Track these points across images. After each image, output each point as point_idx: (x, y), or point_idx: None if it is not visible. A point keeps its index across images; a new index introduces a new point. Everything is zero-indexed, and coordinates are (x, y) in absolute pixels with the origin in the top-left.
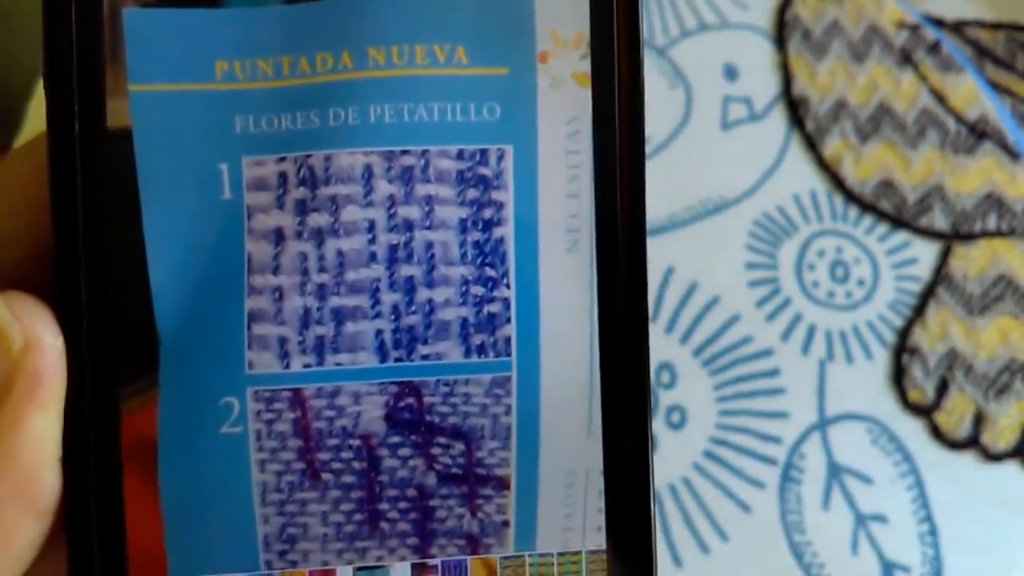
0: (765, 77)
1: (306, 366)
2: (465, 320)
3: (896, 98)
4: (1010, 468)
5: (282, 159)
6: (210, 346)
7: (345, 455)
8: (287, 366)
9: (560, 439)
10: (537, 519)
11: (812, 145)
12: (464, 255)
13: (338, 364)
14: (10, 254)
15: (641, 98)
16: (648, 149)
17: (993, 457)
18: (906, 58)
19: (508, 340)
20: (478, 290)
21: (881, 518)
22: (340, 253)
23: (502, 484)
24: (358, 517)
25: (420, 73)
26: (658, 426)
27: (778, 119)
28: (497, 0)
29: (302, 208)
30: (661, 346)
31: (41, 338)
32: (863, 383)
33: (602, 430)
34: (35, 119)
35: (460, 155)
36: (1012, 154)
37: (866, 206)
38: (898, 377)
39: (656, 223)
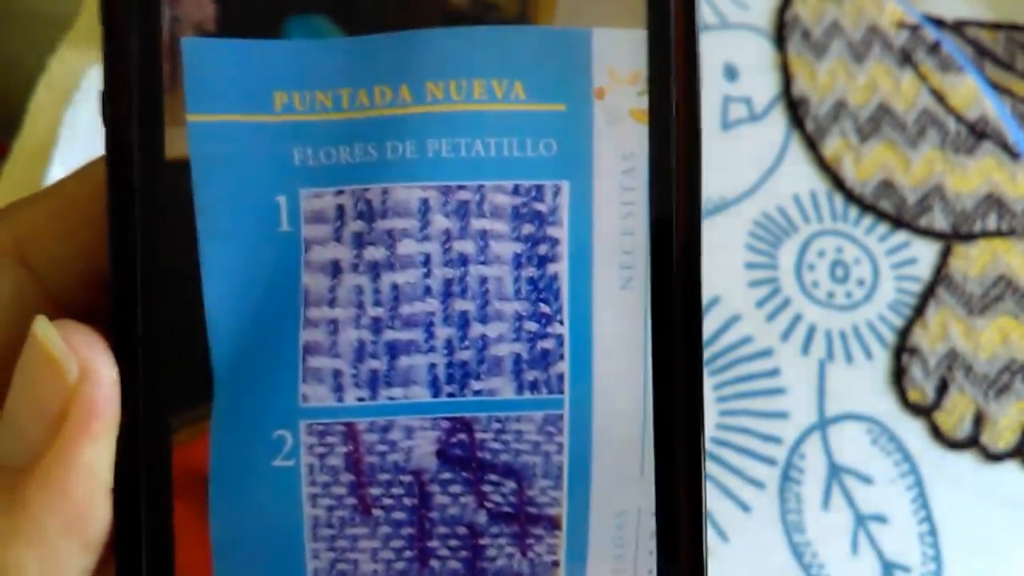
0: (765, 77)
1: (359, 400)
2: (518, 356)
3: (896, 98)
4: (1010, 468)
5: (340, 192)
6: (264, 378)
7: (396, 491)
8: (341, 399)
9: (612, 479)
10: (587, 560)
11: (812, 145)
12: (518, 290)
13: (391, 398)
14: (61, 279)
15: (698, 135)
16: None
17: (993, 457)
18: (906, 58)
19: (561, 377)
20: (531, 326)
21: (881, 518)
22: (395, 287)
23: (553, 524)
24: (408, 554)
25: (478, 108)
26: None
27: (778, 119)
28: (555, 36)
29: (359, 241)
30: None
31: (97, 369)
32: (863, 383)
33: (655, 470)
34: (35, 119)
35: (516, 190)
36: (1012, 154)
37: (866, 206)
38: (898, 377)
39: None
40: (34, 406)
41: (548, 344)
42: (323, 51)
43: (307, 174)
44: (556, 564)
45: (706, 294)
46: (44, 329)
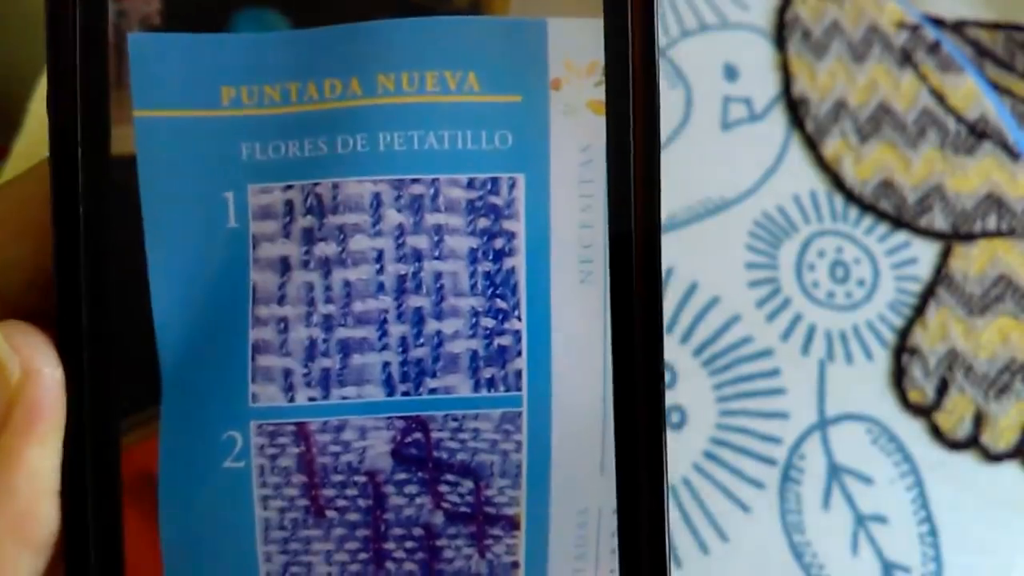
0: (765, 77)
1: (311, 399)
2: (475, 353)
3: (896, 98)
4: (1010, 468)
5: (289, 187)
6: (213, 378)
7: (350, 492)
8: (292, 399)
9: (572, 477)
10: (548, 560)
11: (812, 145)
12: (474, 286)
13: (344, 398)
14: (13, 280)
15: (657, 126)
16: None
17: (993, 457)
18: (906, 58)
19: (519, 374)
20: (488, 322)
21: (881, 518)
22: (347, 283)
23: (512, 524)
24: (363, 556)
25: (431, 100)
26: None
27: (778, 119)
28: (509, 27)
29: (309, 237)
30: None
31: (40, 369)
32: (863, 383)
33: (615, 468)
34: (35, 119)
35: (471, 184)
36: (1012, 154)
37: (866, 206)
38: (898, 377)
39: None
40: None
41: (506, 340)
42: (271, 44)
43: (255, 169)
44: (516, 565)
45: (706, 294)
46: None
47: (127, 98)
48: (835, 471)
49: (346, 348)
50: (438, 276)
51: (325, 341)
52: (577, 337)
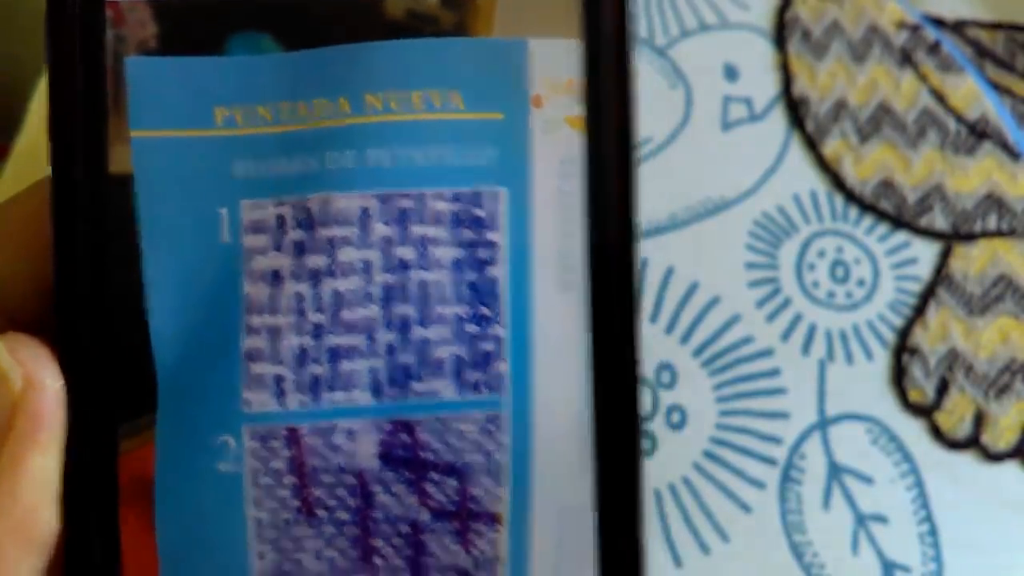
0: (765, 77)
1: (302, 404)
2: (459, 358)
3: (896, 98)
4: (1010, 468)
5: (280, 202)
6: (207, 385)
7: (339, 492)
8: (283, 404)
9: (553, 476)
10: (530, 556)
11: (812, 145)
12: (458, 294)
13: (333, 402)
14: (15, 293)
15: (633, 141)
16: (648, 149)
17: (993, 457)
18: (906, 58)
19: (501, 377)
20: (472, 328)
21: (881, 518)
22: (336, 293)
23: (495, 520)
24: (352, 554)
25: (417, 118)
26: (658, 426)
27: (778, 119)
28: (492, 47)
29: (299, 250)
30: (661, 346)
31: (41, 380)
32: (863, 383)
33: (594, 467)
34: (35, 119)
35: (455, 197)
36: (1012, 154)
37: (866, 206)
38: (898, 377)
39: (656, 223)
40: None
41: (488, 346)
42: (262, 66)
43: (248, 186)
44: (499, 560)
45: (706, 294)
46: None
47: (125, 119)
48: (835, 471)
49: (335, 355)
50: (424, 285)
51: (315, 348)
52: (558, 342)
